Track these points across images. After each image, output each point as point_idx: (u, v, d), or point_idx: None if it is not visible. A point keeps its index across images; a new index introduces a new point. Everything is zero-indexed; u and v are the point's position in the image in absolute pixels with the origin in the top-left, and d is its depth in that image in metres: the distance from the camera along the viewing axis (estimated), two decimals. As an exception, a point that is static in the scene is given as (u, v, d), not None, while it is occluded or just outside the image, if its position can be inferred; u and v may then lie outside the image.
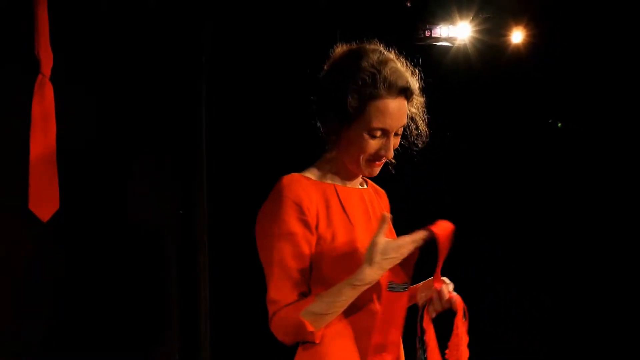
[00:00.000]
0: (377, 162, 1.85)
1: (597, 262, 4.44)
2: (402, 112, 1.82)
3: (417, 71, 1.89)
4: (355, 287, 1.73)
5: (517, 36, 4.54)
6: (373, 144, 1.82)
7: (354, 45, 1.89)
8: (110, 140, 2.76)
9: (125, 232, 2.80)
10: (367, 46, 1.88)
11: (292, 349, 1.99)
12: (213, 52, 3.19)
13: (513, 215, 4.67)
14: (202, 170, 3.12)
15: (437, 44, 4.41)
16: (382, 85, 1.78)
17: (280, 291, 1.77)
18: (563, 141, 4.79)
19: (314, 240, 1.80)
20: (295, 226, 1.78)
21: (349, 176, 1.91)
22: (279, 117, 3.38)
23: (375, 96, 1.78)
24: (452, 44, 4.45)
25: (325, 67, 1.89)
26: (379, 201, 2.01)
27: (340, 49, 1.90)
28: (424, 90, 1.92)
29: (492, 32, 4.45)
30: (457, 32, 4.38)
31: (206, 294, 3.11)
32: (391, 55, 1.87)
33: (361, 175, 1.97)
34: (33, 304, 2.55)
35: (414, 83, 1.86)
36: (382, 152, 1.82)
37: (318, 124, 1.89)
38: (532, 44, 4.52)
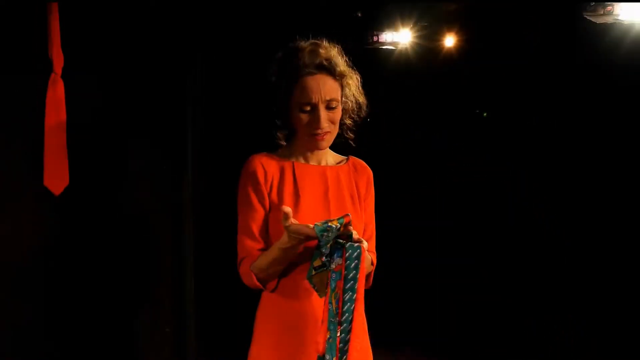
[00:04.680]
0: (316, 136, 1.94)
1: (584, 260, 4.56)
2: (326, 85, 1.90)
3: (342, 52, 1.97)
4: (281, 250, 1.87)
5: (450, 41, 5.03)
6: (304, 118, 1.93)
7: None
8: (112, 128, 2.95)
9: (123, 204, 2.98)
10: (299, 44, 1.97)
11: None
12: (207, 51, 3.39)
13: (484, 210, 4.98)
14: (187, 155, 3.28)
15: (383, 47, 4.85)
16: (300, 66, 1.90)
17: (243, 248, 1.97)
18: (490, 129, 5.16)
19: (267, 204, 1.97)
20: (251, 193, 1.96)
21: (310, 154, 2.04)
22: (266, 107, 3.52)
23: (296, 77, 1.90)
24: (396, 47, 4.90)
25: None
26: (354, 177, 2.08)
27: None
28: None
29: (429, 37, 4.90)
30: (400, 38, 4.82)
31: (192, 274, 3.24)
32: (326, 45, 1.95)
33: (328, 153, 2.08)
34: (45, 267, 2.75)
35: (338, 60, 1.93)
36: (314, 125, 1.92)
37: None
38: (462, 47, 4.99)
